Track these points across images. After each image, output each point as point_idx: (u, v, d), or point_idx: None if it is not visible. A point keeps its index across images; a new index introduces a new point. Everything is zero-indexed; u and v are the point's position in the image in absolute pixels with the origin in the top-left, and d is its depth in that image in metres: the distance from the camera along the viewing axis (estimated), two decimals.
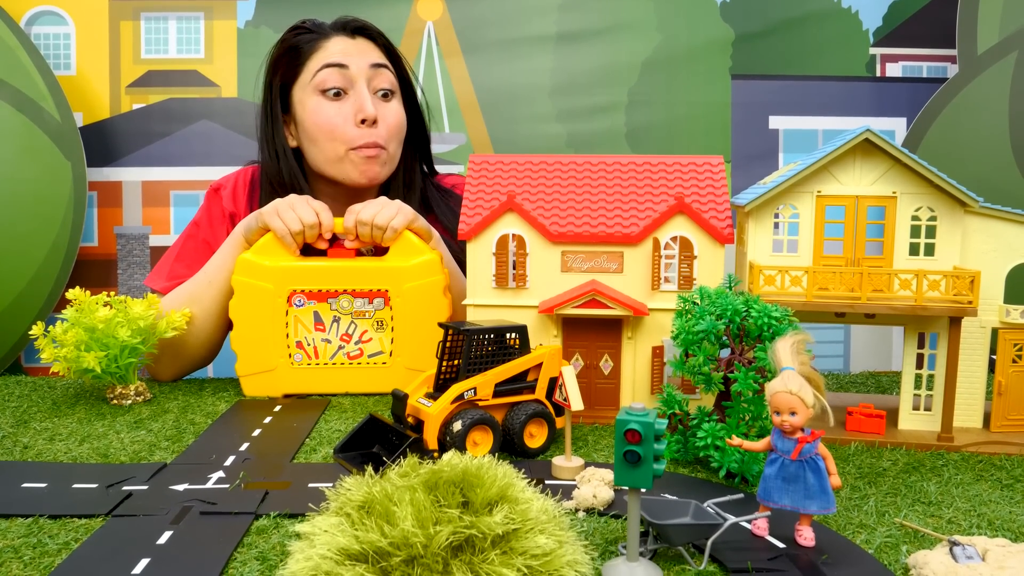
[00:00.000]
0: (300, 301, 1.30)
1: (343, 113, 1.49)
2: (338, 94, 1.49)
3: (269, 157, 1.53)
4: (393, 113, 1.54)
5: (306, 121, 1.51)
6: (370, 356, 1.33)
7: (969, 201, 1.05)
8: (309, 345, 1.32)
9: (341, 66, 1.49)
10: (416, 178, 1.61)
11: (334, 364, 1.32)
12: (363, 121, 1.48)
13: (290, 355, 1.31)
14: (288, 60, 1.53)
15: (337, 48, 1.51)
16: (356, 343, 1.32)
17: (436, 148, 2.02)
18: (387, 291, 1.32)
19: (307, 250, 1.33)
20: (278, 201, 1.34)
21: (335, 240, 1.36)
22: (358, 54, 1.51)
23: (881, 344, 2.01)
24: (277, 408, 1.24)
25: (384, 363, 1.33)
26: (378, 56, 1.54)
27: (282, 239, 1.30)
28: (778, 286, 1.08)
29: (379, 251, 1.36)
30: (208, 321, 1.41)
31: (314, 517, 0.62)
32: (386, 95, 1.53)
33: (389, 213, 1.32)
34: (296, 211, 1.31)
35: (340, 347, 1.32)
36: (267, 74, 1.55)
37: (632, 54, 1.98)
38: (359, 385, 1.33)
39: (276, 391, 1.32)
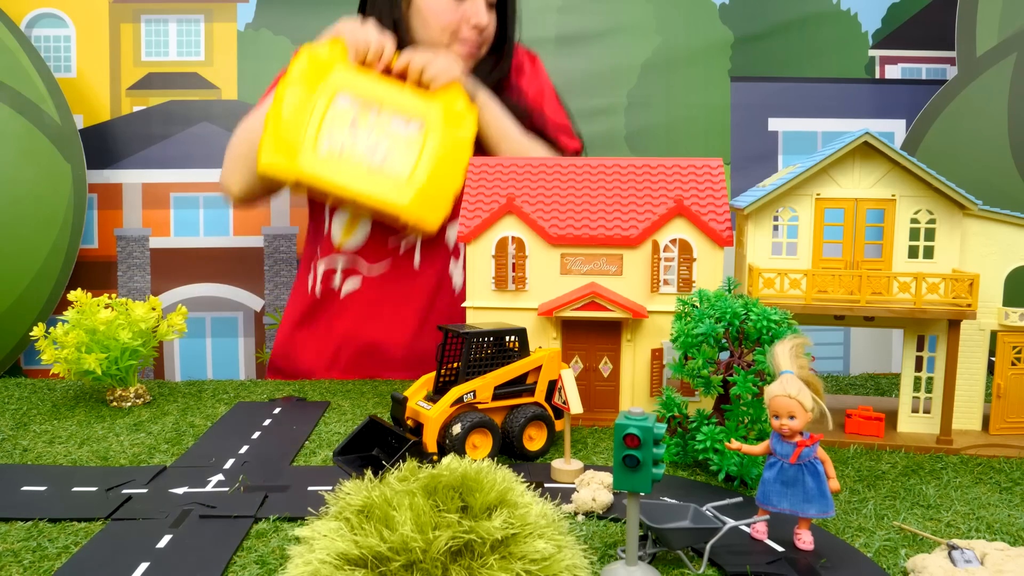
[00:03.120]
0: (345, 101, 1.33)
1: (461, 11, 1.51)
2: None
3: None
4: (493, 23, 1.56)
5: (425, 8, 1.52)
6: (390, 172, 1.33)
7: (968, 204, 1.05)
8: (339, 141, 1.32)
9: None
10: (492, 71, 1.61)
11: (357, 167, 1.32)
12: (475, 26, 1.51)
13: (318, 143, 1.31)
14: None
15: None
16: (383, 155, 1.33)
17: None
18: (425, 121, 1.34)
19: None
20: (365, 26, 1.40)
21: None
22: None
23: (881, 346, 2.01)
24: (276, 411, 1.24)
25: (401, 181, 1.32)
26: None
27: (348, 47, 1.35)
28: (777, 289, 1.08)
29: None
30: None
31: (313, 521, 0.62)
32: (491, 6, 1.56)
33: (440, 65, 1.38)
34: (372, 31, 1.38)
35: (367, 154, 1.33)
36: None
37: (631, 56, 1.98)
38: (370, 192, 1.31)
39: (292, 174, 1.30)
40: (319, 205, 1.57)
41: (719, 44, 1.99)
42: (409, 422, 1.00)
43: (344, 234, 1.52)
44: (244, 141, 1.45)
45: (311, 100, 1.31)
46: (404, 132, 1.33)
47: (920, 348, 1.09)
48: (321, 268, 1.56)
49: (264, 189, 1.51)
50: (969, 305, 1.02)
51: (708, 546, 0.72)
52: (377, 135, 1.33)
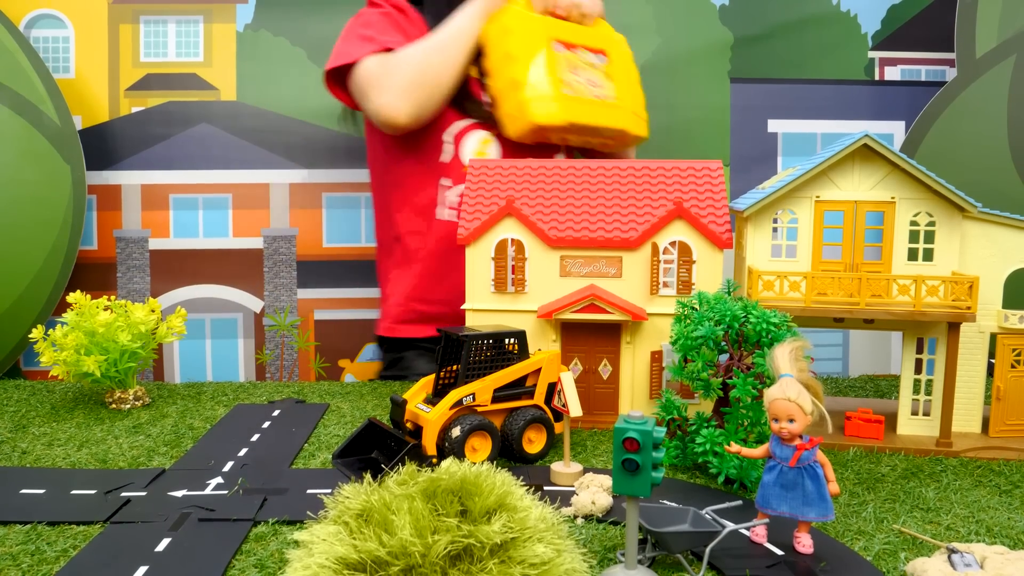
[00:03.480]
0: (558, 47, 1.47)
1: None
2: None
3: None
4: None
5: None
6: (607, 99, 1.49)
7: (968, 207, 1.05)
8: (572, 82, 1.44)
9: None
10: None
11: (591, 102, 1.45)
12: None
13: (564, 88, 1.43)
14: None
15: None
16: (597, 86, 1.47)
17: None
18: (608, 52, 1.52)
19: None
20: None
21: None
22: None
23: (880, 347, 2.01)
24: (276, 413, 1.24)
25: (617, 105, 1.49)
26: None
27: (538, 6, 1.49)
28: (777, 291, 1.08)
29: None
30: (453, 68, 1.50)
31: (312, 525, 0.62)
32: None
33: (590, 2, 1.53)
34: None
35: (591, 88, 1.46)
36: None
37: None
38: (606, 120, 1.46)
39: (565, 119, 1.41)
40: (434, 134, 1.57)
41: (719, 45, 1.99)
42: (408, 425, 1.00)
43: (478, 155, 1.54)
44: (427, 71, 1.48)
45: (540, 53, 1.44)
46: (600, 64, 1.51)
47: (920, 350, 1.09)
48: (453, 194, 1.55)
49: (429, 121, 1.53)
50: (969, 308, 1.02)
51: (707, 550, 0.72)
52: (589, 72, 1.48)
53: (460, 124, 1.54)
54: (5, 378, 1.59)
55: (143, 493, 0.89)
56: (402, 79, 1.47)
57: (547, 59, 1.44)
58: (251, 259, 1.98)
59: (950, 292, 1.03)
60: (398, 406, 1.02)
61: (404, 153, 1.60)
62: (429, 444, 0.96)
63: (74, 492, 0.89)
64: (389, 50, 1.51)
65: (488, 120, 1.53)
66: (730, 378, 0.93)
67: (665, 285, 1.15)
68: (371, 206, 1.81)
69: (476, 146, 1.54)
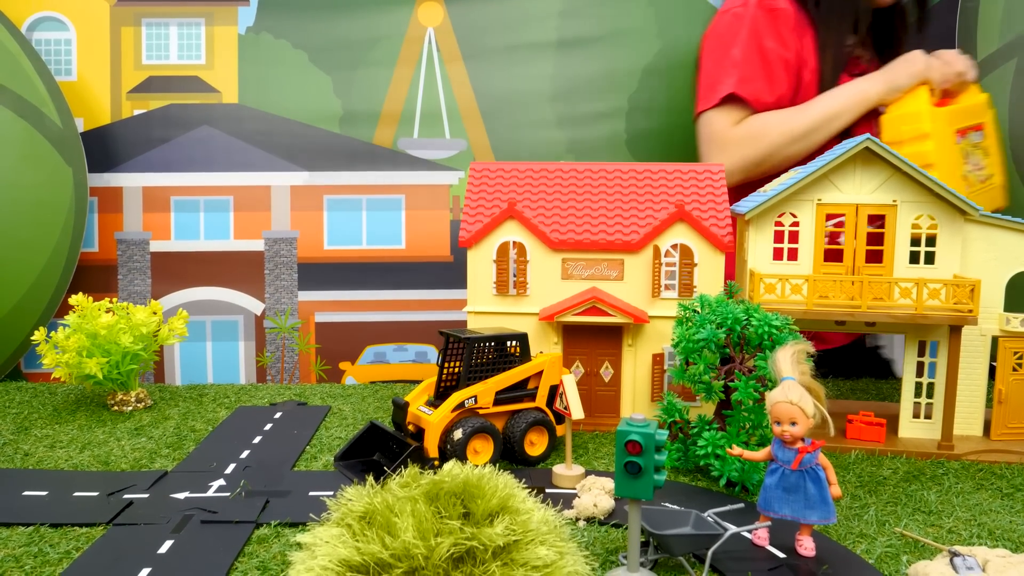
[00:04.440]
0: (958, 139, 1.39)
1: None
2: None
3: None
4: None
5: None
6: (987, 175, 1.42)
7: (969, 210, 1.05)
8: (967, 175, 1.38)
9: None
10: None
11: (978, 187, 1.40)
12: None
13: (964, 184, 1.38)
14: None
15: None
16: (980, 168, 1.42)
17: (436, 154, 2.02)
18: (985, 122, 1.42)
19: None
20: (933, 56, 1.42)
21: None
22: None
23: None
24: (277, 415, 1.24)
25: (992, 184, 1.42)
26: None
27: (934, 88, 1.38)
28: (778, 294, 1.08)
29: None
30: (805, 154, 1.41)
31: (315, 527, 0.62)
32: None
33: (965, 66, 1.43)
34: (956, 61, 1.42)
35: (976, 174, 1.41)
36: None
37: (632, 60, 1.98)
38: (992, 201, 1.40)
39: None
40: None
41: None
42: (410, 427, 1.00)
43: None
44: (775, 156, 1.42)
45: (950, 156, 1.38)
46: (979, 140, 1.44)
47: (921, 353, 1.09)
48: None
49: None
50: (970, 311, 1.02)
51: (710, 552, 0.72)
52: (975, 155, 1.42)
53: None
54: (7, 380, 1.59)
55: (145, 495, 0.89)
56: (743, 157, 1.41)
57: (955, 161, 1.39)
58: (252, 261, 1.99)
59: (952, 295, 1.03)
60: (400, 408, 1.02)
61: None
62: (431, 446, 0.96)
63: (76, 494, 0.89)
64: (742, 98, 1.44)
65: None
66: (732, 381, 0.94)
67: (667, 288, 1.15)
68: (372, 208, 1.81)
69: None
